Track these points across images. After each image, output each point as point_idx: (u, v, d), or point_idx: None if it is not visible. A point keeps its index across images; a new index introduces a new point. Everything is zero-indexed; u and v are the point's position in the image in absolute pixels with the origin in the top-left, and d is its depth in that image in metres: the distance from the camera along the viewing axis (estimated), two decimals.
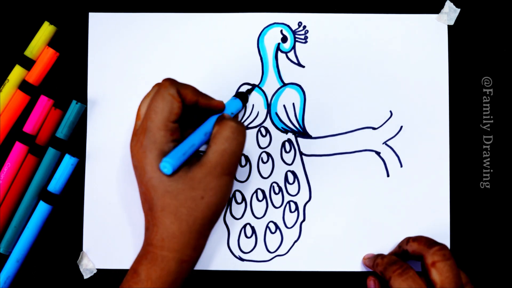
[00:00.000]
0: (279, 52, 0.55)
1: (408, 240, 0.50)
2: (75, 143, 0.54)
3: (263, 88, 0.55)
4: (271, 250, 0.54)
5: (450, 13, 0.55)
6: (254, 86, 0.53)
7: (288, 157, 0.54)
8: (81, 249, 0.54)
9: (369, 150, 0.54)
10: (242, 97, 0.52)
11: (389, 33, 0.55)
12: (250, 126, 0.55)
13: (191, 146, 0.45)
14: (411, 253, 0.49)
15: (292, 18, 0.55)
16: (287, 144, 0.54)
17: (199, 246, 0.46)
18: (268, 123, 0.55)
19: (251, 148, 0.54)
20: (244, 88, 0.54)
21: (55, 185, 0.53)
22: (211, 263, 0.54)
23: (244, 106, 0.53)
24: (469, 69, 0.55)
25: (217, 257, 0.54)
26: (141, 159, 0.44)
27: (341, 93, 0.54)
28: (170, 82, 0.45)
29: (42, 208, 0.53)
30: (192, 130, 0.48)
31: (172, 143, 0.44)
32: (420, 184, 0.54)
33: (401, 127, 0.54)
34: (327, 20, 0.55)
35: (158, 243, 0.44)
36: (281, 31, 0.55)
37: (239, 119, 0.54)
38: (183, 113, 0.45)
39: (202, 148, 0.49)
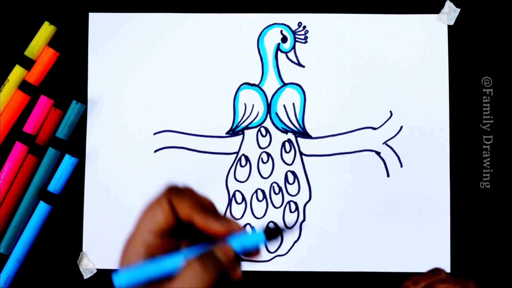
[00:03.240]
0: (279, 52, 0.55)
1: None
2: (75, 143, 0.54)
3: (263, 88, 0.55)
4: (271, 250, 0.54)
5: (450, 13, 0.55)
6: (281, 231, 0.39)
7: (288, 157, 0.54)
8: (81, 249, 0.54)
9: (369, 150, 0.54)
10: (270, 234, 0.37)
11: (389, 33, 0.55)
12: (250, 126, 0.55)
13: (148, 273, 0.37)
14: None
15: (292, 18, 0.55)
16: (287, 144, 0.54)
17: None
18: (268, 123, 0.55)
19: (251, 148, 0.54)
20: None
21: (55, 185, 0.53)
22: None
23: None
24: (469, 69, 0.55)
25: None
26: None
27: (341, 93, 0.54)
28: (166, 192, 0.38)
29: (42, 208, 0.53)
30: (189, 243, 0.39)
31: (145, 258, 0.38)
32: (420, 184, 0.54)
33: (401, 127, 0.54)
34: (327, 20, 0.55)
35: None
36: (281, 31, 0.55)
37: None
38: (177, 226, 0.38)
39: None
